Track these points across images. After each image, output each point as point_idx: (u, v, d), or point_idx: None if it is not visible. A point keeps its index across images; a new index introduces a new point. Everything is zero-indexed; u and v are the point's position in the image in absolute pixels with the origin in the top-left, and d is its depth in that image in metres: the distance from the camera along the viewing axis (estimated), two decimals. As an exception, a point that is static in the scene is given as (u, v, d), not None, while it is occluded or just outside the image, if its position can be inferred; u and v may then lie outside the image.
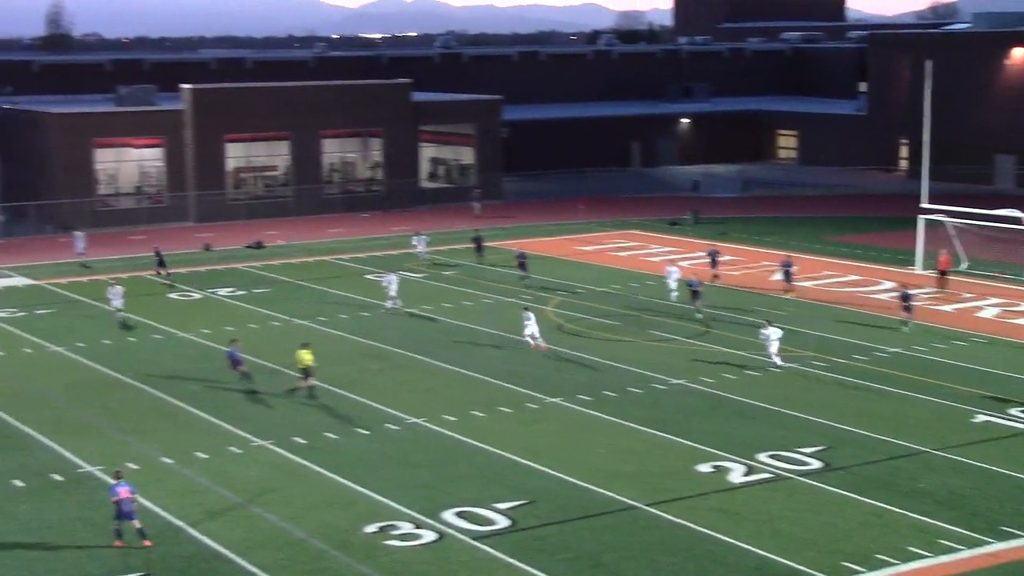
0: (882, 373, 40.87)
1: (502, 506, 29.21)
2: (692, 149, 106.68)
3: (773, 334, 41.28)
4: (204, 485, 30.97)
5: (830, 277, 57.78)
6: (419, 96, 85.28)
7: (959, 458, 32.47)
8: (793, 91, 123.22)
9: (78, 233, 63.99)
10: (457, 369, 41.90)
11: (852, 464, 32.02)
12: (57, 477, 31.66)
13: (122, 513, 27.00)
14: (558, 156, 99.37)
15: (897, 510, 28.88)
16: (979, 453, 32.81)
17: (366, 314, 50.63)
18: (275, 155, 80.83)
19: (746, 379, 40.30)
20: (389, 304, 50.66)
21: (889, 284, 55.48)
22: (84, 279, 58.87)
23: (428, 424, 35.87)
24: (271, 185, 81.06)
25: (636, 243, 67.82)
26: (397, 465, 32.38)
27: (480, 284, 56.48)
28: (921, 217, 59.69)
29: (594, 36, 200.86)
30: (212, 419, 36.52)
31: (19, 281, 58.84)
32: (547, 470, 31.73)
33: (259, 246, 67.36)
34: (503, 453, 33.11)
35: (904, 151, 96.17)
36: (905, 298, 47.24)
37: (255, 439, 34.56)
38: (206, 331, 47.74)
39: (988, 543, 27.04)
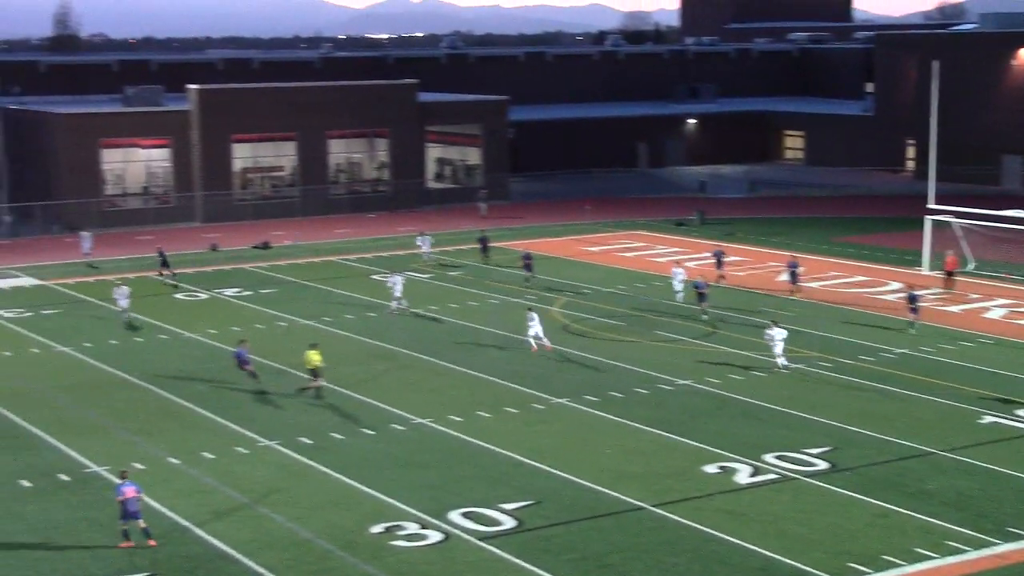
0: (888, 374, 40.82)
1: (508, 506, 29.21)
2: (699, 150, 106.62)
3: (778, 335, 41.20)
4: (211, 485, 31.00)
5: (837, 278, 57.72)
6: (425, 96, 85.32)
7: (966, 459, 32.42)
8: (800, 92, 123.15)
9: (84, 233, 64.07)
10: (463, 369, 41.91)
11: (858, 465, 31.98)
12: (64, 477, 31.71)
13: (128, 513, 27.04)
14: (564, 157, 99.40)
15: (904, 511, 28.85)
16: (986, 454, 32.76)
17: (372, 314, 50.65)
18: (281, 155, 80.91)
19: (752, 380, 40.27)
20: (394, 305, 50.68)
21: (896, 285, 55.42)
22: (91, 279, 58.95)
23: (434, 424, 35.87)
24: (278, 185, 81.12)
25: (642, 244, 67.80)
26: (403, 465, 32.39)
27: (486, 284, 56.49)
28: (928, 218, 59.60)
29: (600, 37, 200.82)
30: (218, 419, 36.56)
31: (26, 281, 58.94)
32: (553, 471, 31.72)
33: (266, 246, 67.42)
34: (509, 453, 33.11)
35: (911, 152, 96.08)
36: (912, 300, 47.15)
37: (261, 439, 34.59)
38: (212, 331, 47.79)
39: (995, 544, 26.99)
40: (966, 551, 26.62)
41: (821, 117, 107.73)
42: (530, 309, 45.00)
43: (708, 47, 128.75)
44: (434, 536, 27.60)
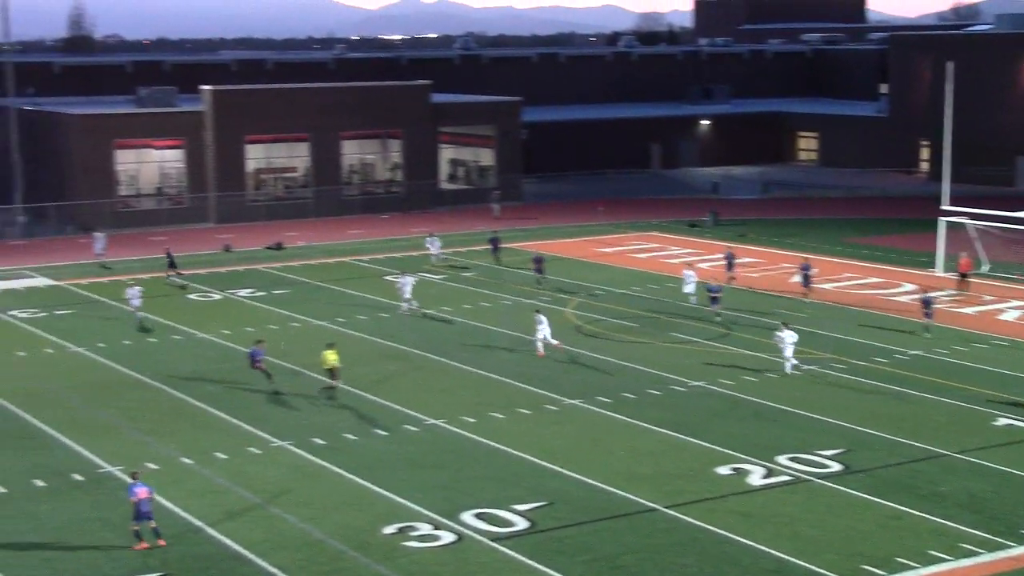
0: (902, 376, 40.71)
1: (521, 507, 29.20)
2: (712, 151, 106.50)
3: (788, 337, 40.97)
4: (223, 486, 31.05)
5: (850, 279, 57.59)
6: (438, 97, 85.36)
7: (979, 461, 32.33)
8: (814, 93, 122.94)
9: (98, 234, 64.23)
10: (476, 370, 41.92)
11: (872, 467, 31.90)
12: (77, 477, 31.79)
13: (140, 514, 27.09)
14: (577, 158, 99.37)
15: (917, 513, 28.77)
16: (1000, 456, 32.66)
17: (385, 315, 50.69)
18: (295, 156, 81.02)
19: (765, 381, 40.20)
20: (405, 306, 50.71)
21: (910, 286, 55.27)
22: (105, 280, 59.10)
23: (447, 425, 35.88)
24: (291, 186, 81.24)
25: (655, 245, 67.74)
26: (416, 466, 32.40)
27: (499, 285, 56.48)
28: (942, 219, 59.43)
29: (614, 37, 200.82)
30: (232, 420, 36.62)
31: (40, 281, 59.12)
32: (566, 472, 31.70)
33: (279, 247, 67.52)
34: (522, 455, 33.11)
35: (925, 153, 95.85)
36: (926, 303, 46.92)
37: (274, 440, 34.64)
38: (226, 332, 47.88)
39: (1009, 547, 26.90)
40: (980, 553, 26.54)
41: (835, 118, 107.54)
42: (538, 311, 44.95)
43: (722, 48, 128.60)
44: (447, 537, 27.61)
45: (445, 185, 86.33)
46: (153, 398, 39.26)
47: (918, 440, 34.00)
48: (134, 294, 49.73)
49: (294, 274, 60.27)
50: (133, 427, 36.13)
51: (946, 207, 59.69)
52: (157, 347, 46.04)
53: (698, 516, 28.61)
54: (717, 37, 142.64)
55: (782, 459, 32.43)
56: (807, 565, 25.96)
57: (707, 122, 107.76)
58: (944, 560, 26.17)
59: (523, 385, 39.93)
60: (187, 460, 32.98)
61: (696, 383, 39.99)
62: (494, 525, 28.21)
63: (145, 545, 26.99)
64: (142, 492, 27.15)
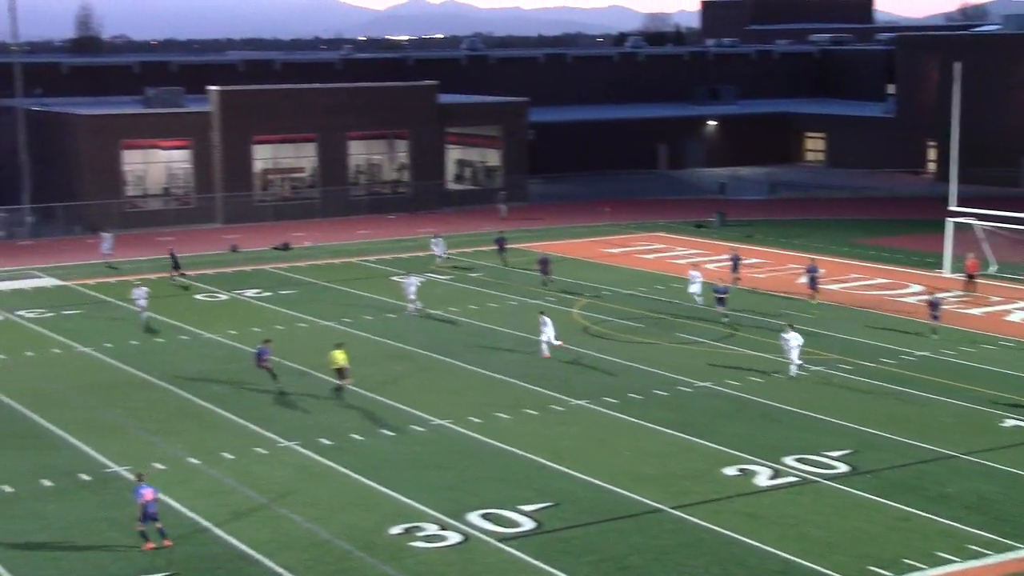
0: (909, 377, 40.65)
1: (527, 508, 29.20)
2: (719, 151, 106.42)
3: (793, 340, 40.79)
4: (230, 486, 31.08)
5: (857, 280, 57.52)
6: (445, 98, 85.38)
7: (987, 463, 32.27)
8: (821, 93, 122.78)
9: (105, 234, 64.30)
10: (482, 371, 41.92)
11: (879, 468, 31.86)
12: (84, 477, 31.83)
13: (147, 515, 27.11)
14: (584, 158, 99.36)
15: (924, 514, 28.73)
16: (1007, 458, 32.60)
17: (391, 316, 50.70)
18: (302, 157, 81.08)
19: (771, 382, 40.16)
20: (411, 307, 50.71)
21: (917, 287, 55.19)
22: (112, 280, 59.18)
23: (454, 426, 35.89)
24: (298, 187, 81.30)
25: (662, 245, 67.71)
26: (422, 467, 32.41)
27: (506, 286, 56.48)
28: (949, 220, 59.33)
29: (621, 38, 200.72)
30: (238, 420, 36.66)
31: (48, 282, 59.21)
32: (572, 472, 31.70)
33: (286, 247, 67.57)
34: (528, 455, 33.10)
35: (932, 153, 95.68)
36: (934, 306, 46.79)
37: (281, 440, 34.66)
38: (233, 332, 47.92)
39: (1017, 548, 26.85)
40: (987, 555, 26.50)
41: (842, 119, 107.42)
42: (542, 313, 44.89)
43: (729, 48, 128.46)
44: (453, 537, 27.61)
45: (452, 186, 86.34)
46: (160, 398, 39.30)
47: (925, 441, 33.96)
48: (140, 295, 49.78)
49: (301, 274, 60.31)
50: (140, 427, 36.18)
51: (953, 208, 59.59)
52: (164, 347, 46.09)
53: (705, 517, 28.59)
54: (724, 38, 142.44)
55: (789, 460, 32.40)
56: (814, 566, 25.93)
57: (714, 123, 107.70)
58: (952, 561, 26.13)
59: (529, 386, 39.93)
60: (194, 460, 33.02)
61: (703, 384, 39.96)
62: (500, 526, 28.21)
63: (152, 545, 27.02)
64: (148, 494, 27.18)
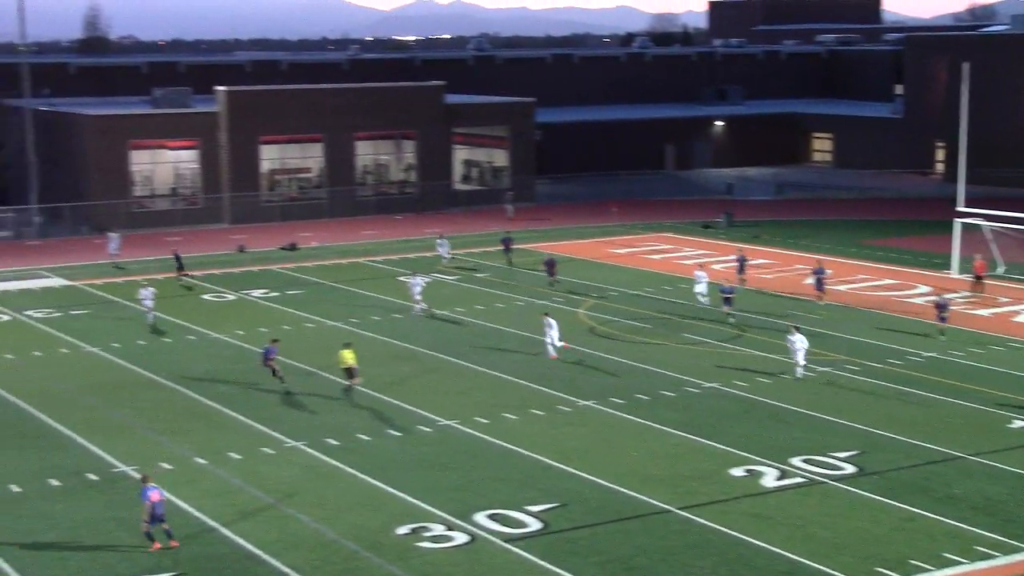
0: (917, 378, 40.59)
1: (534, 508, 29.20)
2: (726, 152, 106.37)
3: (799, 342, 40.72)
4: (237, 486, 31.11)
5: (865, 281, 57.45)
6: (452, 98, 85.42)
7: (994, 464, 32.22)
8: (828, 94, 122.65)
9: (112, 234, 64.41)
10: (489, 371, 41.92)
11: (886, 469, 31.82)
12: (92, 476, 31.88)
13: (155, 516, 27.12)
14: (591, 158, 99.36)
15: (931, 516, 28.69)
16: (1015, 459, 32.54)
17: (398, 316, 50.73)
18: (309, 157, 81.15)
19: (779, 383, 40.12)
20: (417, 308, 50.73)
21: (925, 288, 55.12)
22: (119, 280, 59.26)
23: (460, 426, 35.90)
24: (305, 187, 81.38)
25: (669, 246, 67.67)
26: (429, 467, 32.42)
27: (512, 287, 56.48)
28: (957, 221, 59.24)
29: (628, 38, 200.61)
30: (245, 420, 36.69)
31: (55, 282, 59.31)
32: (579, 473, 31.69)
33: (293, 248, 67.63)
34: (535, 456, 33.10)
35: (940, 154, 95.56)
36: (941, 308, 46.67)
37: (288, 440, 34.69)
38: (240, 332, 47.97)
39: (1024, 550, 26.85)
40: (995, 556, 26.46)
41: (850, 119, 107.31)
42: (546, 314, 44.86)
43: (736, 49, 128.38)
44: (460, 538, 27.62)
45: (459, 186, 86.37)
46: (167, 398, 39.35)
47: (932, 442, 33.91)
48: (147, 295, 49.85)
49: (308, 275, 60.36)
50: (147, 427, 36.22)
51: (961, 208, 59.50)
52: (171, 347, 46.15)
53: (712, 518, 28.57)
54: (731, 38, 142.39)
55: (796, 461, 32.37)
56: (821, 567, 25.90)
57: (721, 123, 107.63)
58: (959, 563, 26.09)
59: (536, 386, 39.92)
60: (201, 460, 33.05)
61: (710, 384, 39.93)
62: (507, 526, 28.21)
63: (159, 546, 27.06)
64: (155, 495, 27.18)
